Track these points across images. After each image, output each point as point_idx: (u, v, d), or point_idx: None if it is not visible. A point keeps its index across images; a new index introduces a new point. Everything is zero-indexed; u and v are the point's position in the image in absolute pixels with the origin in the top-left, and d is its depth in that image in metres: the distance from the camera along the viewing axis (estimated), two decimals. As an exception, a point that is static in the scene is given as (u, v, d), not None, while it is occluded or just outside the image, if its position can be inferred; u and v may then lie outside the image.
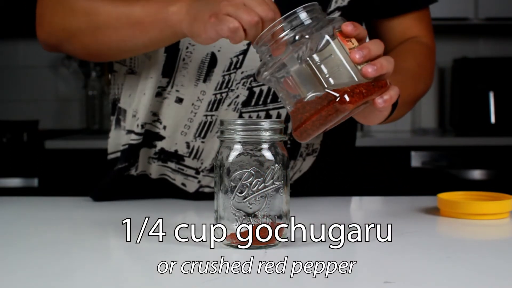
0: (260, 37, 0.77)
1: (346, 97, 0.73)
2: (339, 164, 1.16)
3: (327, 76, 0.74)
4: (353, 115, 0.82)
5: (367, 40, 0.80)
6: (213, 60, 1.00)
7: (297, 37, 0.74)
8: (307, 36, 0.74)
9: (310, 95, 0.75)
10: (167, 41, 0.94)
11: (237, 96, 1.02)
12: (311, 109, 0.75)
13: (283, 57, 0.75)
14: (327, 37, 0.75)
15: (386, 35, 1.14)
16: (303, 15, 0.75)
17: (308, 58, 0.74)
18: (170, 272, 0.66)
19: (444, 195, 0.95)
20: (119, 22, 0.95)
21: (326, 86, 0.74)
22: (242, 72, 1.01)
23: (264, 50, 0.77)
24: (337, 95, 0.73)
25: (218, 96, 1.02)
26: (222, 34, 0.81)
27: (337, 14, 1.04)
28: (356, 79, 0.75)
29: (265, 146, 0.73)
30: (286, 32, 0.75)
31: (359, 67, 0.75)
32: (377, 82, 0.76)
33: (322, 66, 0.74)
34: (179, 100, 1.03)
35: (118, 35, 0.96)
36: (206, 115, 1.03)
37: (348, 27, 0.76)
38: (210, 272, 0.65)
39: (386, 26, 1.14)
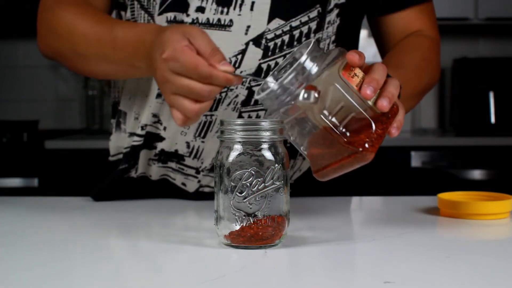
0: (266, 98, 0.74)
1: (367, 147, 0.71)
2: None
3: (343, 130, 0.72)
4: None
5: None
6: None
7: (306, 96, 0.71)
8: (316, 95, 0.71)
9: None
10: (147, 75, 0.97)
11: (237, 96, 1.02)
12: (331, 158, 0.74)
13: (293, 116, 0.73)
14: (336, 85, 0.72)
15: (388, 30, 1.13)
16: (308, 64, 0.72)
17: (321, 117, 0.71)
18: (170, 272, 0.66)
19: (444, 195, 0.95)
20: (96, 56, 0.98)
21: (344, 140, 0.71)
22: (241, 72, 1.01)
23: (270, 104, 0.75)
24: (359, 149, 0.71)
25: (218, 96, 1.02)
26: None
27: (336, 12, 1.04)
28: (373, 125, 0.73)
29: (265, 146, 0.73)
30: (293, 91, 0.72)
31: (369, 102, 0.74)
32: (389, 111, 0.76)
33: (335, 120, 0.71)
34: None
35: (97, 66, 1.00)
36: (206, 115, 1.03)
37: (354, 57, 0.74)
38: (210, 272, 0.66)
39: (388, 22, 1.13)
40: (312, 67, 0.72)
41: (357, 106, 0.73)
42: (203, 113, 0.83)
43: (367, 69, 0.78)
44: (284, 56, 1.01)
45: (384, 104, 0.74)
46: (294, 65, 0.72)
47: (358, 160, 0.72)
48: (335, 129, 0.71)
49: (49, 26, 1.05)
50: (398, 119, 0.79)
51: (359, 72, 0.75)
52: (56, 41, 1.04)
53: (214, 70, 0.79)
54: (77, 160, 2.56)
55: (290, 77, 0.72)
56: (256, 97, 0.76)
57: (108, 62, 0.97)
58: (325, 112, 0.71)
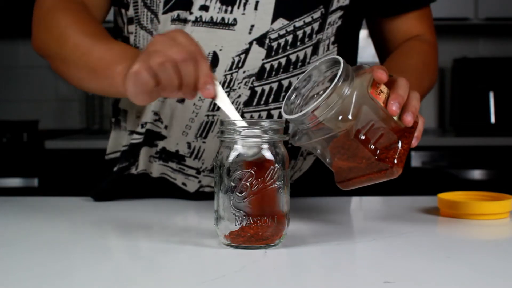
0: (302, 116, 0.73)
1: (396, 163, 0.75)
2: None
3: (373, 147, 0.75)
4: None
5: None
6: (215, 60, 1.00)
7: (340, 118, 0.72)
8: (350, 117, 0.72)
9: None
10: (118, 95, 0.94)
11: (239, 96, 1.02)
12: (359, 172, 0.76)
13: (323, 137, 0.74)
14: (367, 106, 0.73)
15: (389, 34, 1.15)
16: (345, 90, 0.72)
17: (353, 136, 0.73)
18: (170, 272, 0.66)
19: (444, 195, 0.95)
20: (80, 61, 0.96)
21: (374, 157, 0.74)
22: (244, 72, 1.01)
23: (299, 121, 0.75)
24: (388, 166, 0.74)
25: (219, 97, 1.01)
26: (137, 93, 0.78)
27: (339, 14, 1.04)
28: (399, 141, 0.76)
29: (265, 146, 0.73)
30: (326, 112, 0.72)
31: (395, 117, 0.76)
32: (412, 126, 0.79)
33: (365, 138, 0.74)
34: (181, 100, 1.03)
35: (78, 73, 0.97)
36: (208, 115, 1.03)
37: (382, 75, 0.75)
38: (210, 272, 0.66)
39: (389, 25, 1.14)
40: (346, 90, 0.73)
41: (386, 123, 0.75)
42: (157, 94, 0.79)
43: (389, 82, 0.79)
44: (287, 56, 1.01)
45: (408, 119, 0.77)
46: (328, 90, 0.72)
47: (388, 175, 0.76)
48: (366, 146, 0.74)
49: (46, 28, 1.03)
50: (419, 129, 0.81)
51: (383, 88, 0.77)
52: (50, 43, 1.02)
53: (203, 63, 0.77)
54: (77, 160, 2.56)
55: (323, 102, 0.72)
56: (284, 116, 0.76)
57: (90, 70, 0.94)
58: (357, 131, 0.74)
